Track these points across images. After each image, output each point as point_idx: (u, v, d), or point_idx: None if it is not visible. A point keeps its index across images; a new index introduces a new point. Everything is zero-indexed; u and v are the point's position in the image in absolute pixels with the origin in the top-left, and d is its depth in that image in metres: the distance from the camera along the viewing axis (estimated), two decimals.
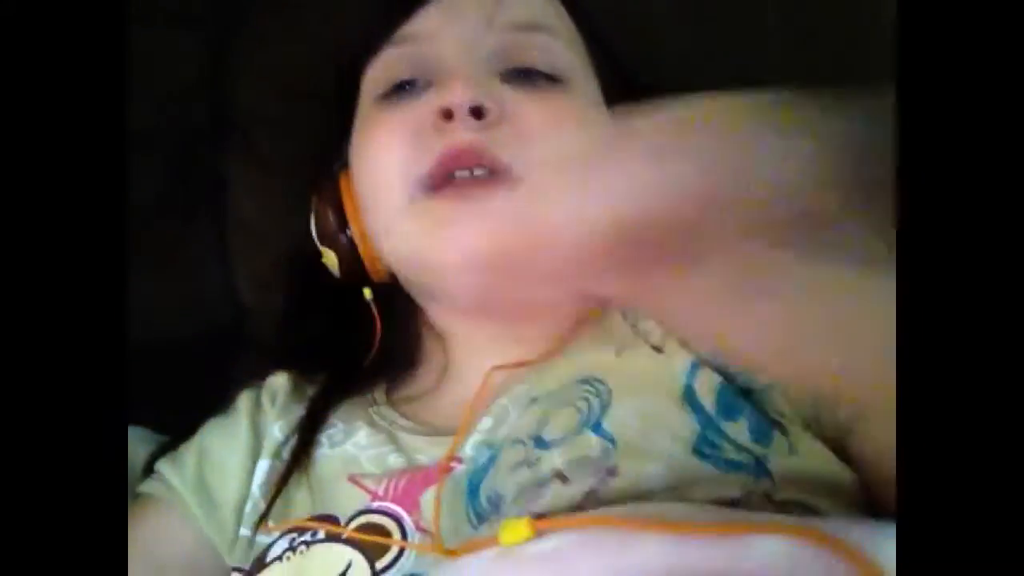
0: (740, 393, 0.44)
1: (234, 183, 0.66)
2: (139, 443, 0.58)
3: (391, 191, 0.48)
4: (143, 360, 0.64)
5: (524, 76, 0.49)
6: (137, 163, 0.63)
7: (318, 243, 0.55)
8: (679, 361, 0.45)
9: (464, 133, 0.45)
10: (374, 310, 0.54)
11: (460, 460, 0.45)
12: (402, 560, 0.42)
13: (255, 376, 0.56)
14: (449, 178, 0.46)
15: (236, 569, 0.46)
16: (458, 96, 0.45)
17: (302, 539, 0.44)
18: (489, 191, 0.45)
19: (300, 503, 0.47)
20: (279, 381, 0.54)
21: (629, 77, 0.56)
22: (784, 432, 0.42)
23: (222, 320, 0.66)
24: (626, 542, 0.32)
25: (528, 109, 0.47)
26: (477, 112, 0.46)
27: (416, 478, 0.45)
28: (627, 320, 0.49)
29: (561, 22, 0.52)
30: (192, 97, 0.67)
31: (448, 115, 0.46)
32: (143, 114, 0.64)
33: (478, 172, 0.46)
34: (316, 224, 0.55)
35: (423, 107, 0.47)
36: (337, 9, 0.65)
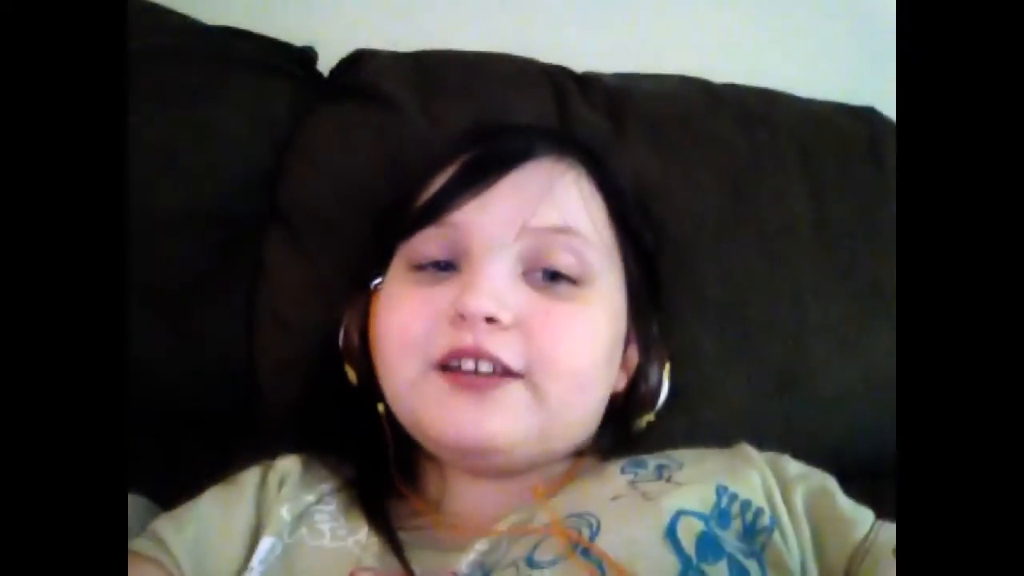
0: (746, 536, 0.47)
1: (272, 272, 0.70)
2: (139, 512, 0.59)
3: (405, 365, 0.52)
4: (153, 429, 0.66)
5: (548, 277, 0.53)
6: (187, 239, 0.68)
7: (342, 354, 0.59)
8: (665, 507, 0.48)
9: (475, 335, 0.50)
10: (386, 426, 0.56)
11: (455, 575, 0.47)
12: None
13: (264, 456, 0.57)
14: (457, 366, 0.50)
15: None
16: (474, 306, 0.50)
17: None
18: (493, 383, 0.50)
19: None
20: (289, 464, 0.56)
21: (658, 274, 0.62)
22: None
23: (235, 400, 0.68)
24: None
25: (541, 319, 0.51)
26: (491, 320, 0.50)
27: None
28: (624, 474, 0.52)
29: (593, 225, 0.56)
30: (251, 187, 0.71)
31: (464, 317, 0.50)
32: (201, 195, 0.69)
33: (483, 367, 0.50)
34: (343, 338, 0.59)
35: (446, 294, 0.52)
36: (396, 135, 0.69)
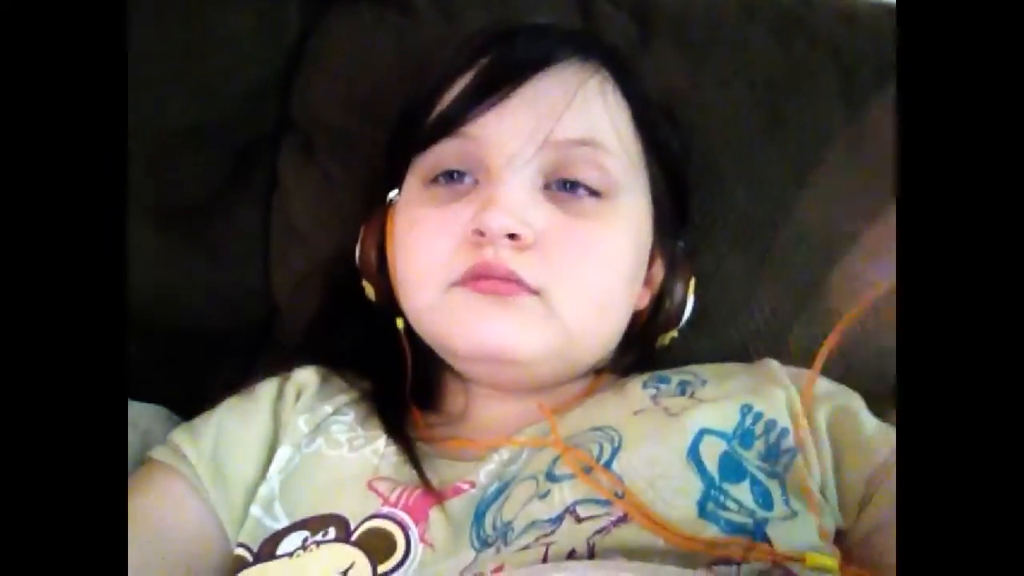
0: (769, 456, 0.47)
1: (287, 186, 0.68)
2: (159, 421, 0.59)
3: (426, 284, 0.51)
4: (170, 344, 0.66)
5: (568, 188, 0.51)
6: (199, 154, 0.66)
7: (360, 271, 0.58)
8: (688, 425, 0.47)
9: (496, 251, 0.48)
10: (404, 341, 0.55)
11: (473, 484, 0.48)
12: (405, 566, 0.44)
13: (281, 369, 0.57)
14: (479, 278, 0.49)
15: (241, 545, 0.48)
16: (496, 221, 0.48)
17: (314, 539, 0.46)
18: (514, 294, 0.48)
19: (312, 497, 0.49)
20: (307, 376, 0.56)
21: (685, 188, 0.59)
22: (786, 498, 0.45)
23: (254, 317, 0.68)
24: None
25: (561, 239, 0.50)
26: (511, 236, 0.48)
27: (428, 493, 0.47)
28: (646, 389, 0.52)
29: (618, 136, 0.53)
30: (262, 96, 0.69)
31: (484, 235, 0.48)
32: (211, 107, 0.67)
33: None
34: (360, 254, 0.57)
35: (464, 211, 0.50)
36: (412, 37, 0.66)
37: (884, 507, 0.45)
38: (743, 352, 0.62)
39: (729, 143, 0.65)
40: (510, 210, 0.48)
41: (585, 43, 0.56)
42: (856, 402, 0.51)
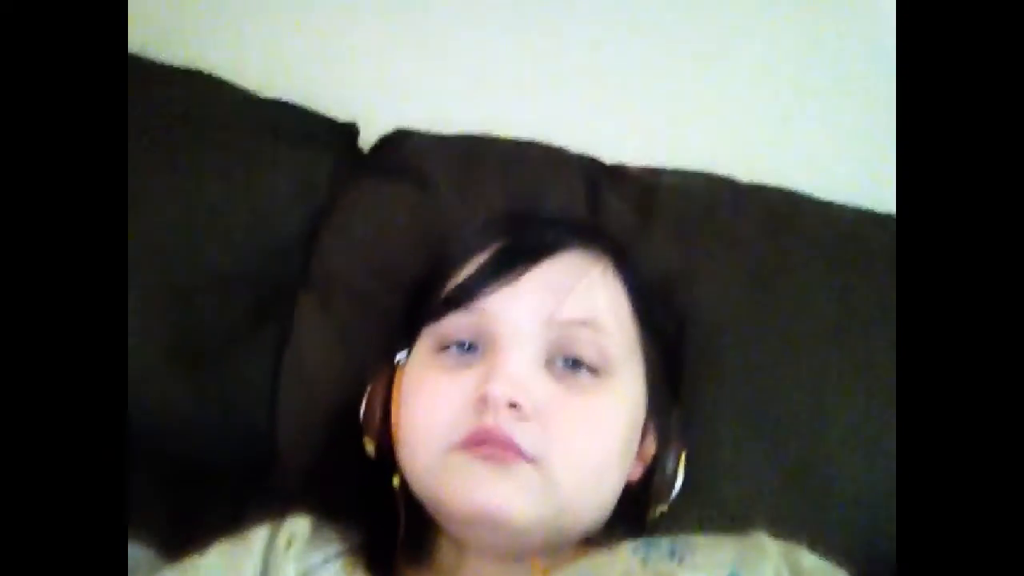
0: None
1: (300, 337, 0.71)
2: (144, 565, 0.59)
3: (427, 444, 0.53)
4: (166, 476, 0.67)
5: (569, 366, 0.55)
6: (220, 300, 0.70)
7: (363, 426, 0.60)
8: None
9: (497, 418, 0.51)
10: (400, 500, 0.57)
11: None
12: None
13: (275, 513, 0.58)
14: (479, 443, 0.51)
15: None
16: (499, 390, 0.51)
17: None
18: (512, 461, 0.51)
19: None
20: (299, 525, 0.56)
21: (679, 366, 0.63)
22: None
23: (253, 458, 0.69)
24: None
25: (559, 412, 0.53)
26: (513, 405, 0.51)
27: None
28: (635, 553, 0.52)
29: (616, 318, 0.58)
30: (286, 253, 0.74)
31: (487, 402, 0.51)
32: (238, 258, 0.72)
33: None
34: (364, 410, 0.60)
35: (470, 379, 0.53)
36: (430, 214, 0.72)
37: None
38: (733, 523, 0.62)
39: (722, 324, 0.69)
40: (513, 381, 0.52)
41: (591, 234, 0.62)
42: None
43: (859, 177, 0.79)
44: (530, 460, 0.51)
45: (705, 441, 0.65)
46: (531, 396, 0.52)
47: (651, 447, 0.59)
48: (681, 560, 0.51)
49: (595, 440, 0.53)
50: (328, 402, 0.67)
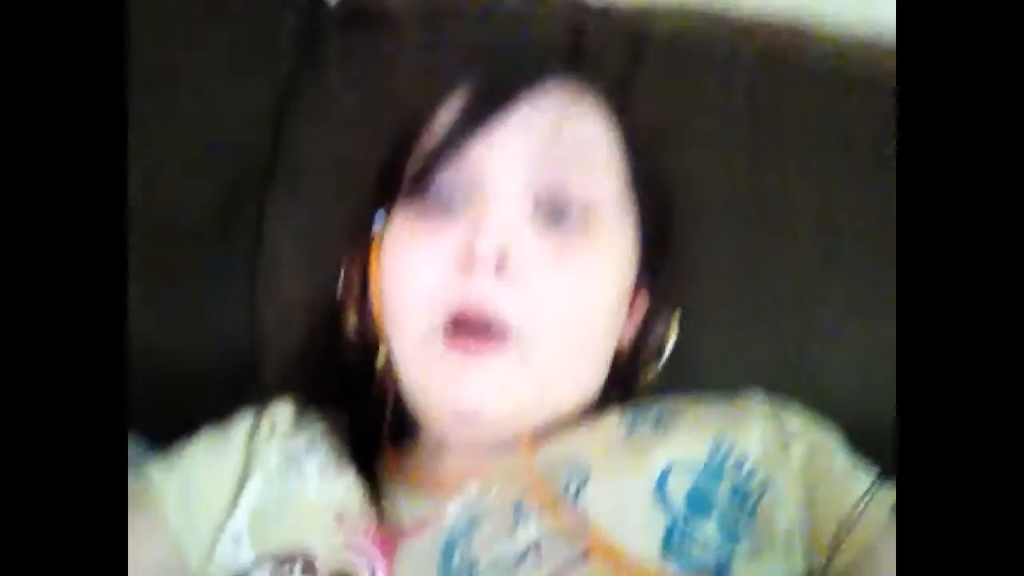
0: (738, 494, 0.46)
1: (274, 220, 0.68)
2: (135, 454, 0.59)
3: (411, 323, 0.50)
4: (155, 374, 0.66)
5: (559, 216, 0.50)
6: (191, 187, 0.66)
7: (341, 304, 0.57)
8: (657, 457, 0.47)
9: (481, 284, 0.48)
10: (386, 378, 0.55)
11: (440, 520, 0.47)
12: None
13: (261, 402, 0.57)
14: (460, 328, 0.48)
15: None
16: (487, 246, 0.47)
17: (280, 573, 0.46)
18: (495, 350, 0.48)
19: (280, 531, 0.49)
20: (282, 410, 0.56)
21: (671, 217, 0.59)
22: (754, 536, 0.45)
23: (240, 355, 0.68)
24: None
25: (546, 275, 0.49)
26: (499, 266, 0.48)
27: (396, 529, 0.47)
28: (621, 424, 0.51)
29: (606, 157, 0.53)
30: (255, 131, 0.70)
31: (473, 259, 0.48)
32: (205, 140, 0.68)
33: (485, 327, 0.48)
34: (342, 287, 0.57)
35: (454, 235, 0.49)
36: (409, 76, 0.67)
37: (858, 547, 0.45)
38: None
39: (715, 180, 0.64)
40: (501, 232, 0.48)
41: (575, 64, 0.56)
42: (832, 440, 0.50)
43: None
44: (510, 339, 0.48)
45: (699, 302, 0.62)
46: (518, 252, 0.48)
47: (643, 305, 0.57)
48: (666, 429, 0.50)
49: (582, 309, 0.50)
50: (307, 287, 0.65)
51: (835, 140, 0.65)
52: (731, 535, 0.44)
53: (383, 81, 0.68)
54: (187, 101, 0.67)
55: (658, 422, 0.50)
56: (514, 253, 0.48)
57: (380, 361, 0.55)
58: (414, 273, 0.50)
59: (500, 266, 0.48)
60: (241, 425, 0.54)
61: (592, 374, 0.54)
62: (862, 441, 0.51)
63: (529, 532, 0.44)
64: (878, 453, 0.49)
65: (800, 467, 0.48)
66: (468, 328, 0.48)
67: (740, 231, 0.64)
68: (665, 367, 0.58)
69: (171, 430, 0.56)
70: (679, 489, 0.45)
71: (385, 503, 0.49)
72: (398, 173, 0.54)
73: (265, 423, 0.54)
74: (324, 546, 0.46)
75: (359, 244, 0.56)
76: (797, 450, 0.49)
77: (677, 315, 0.58)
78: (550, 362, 0.49)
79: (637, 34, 0.69)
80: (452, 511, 0.47)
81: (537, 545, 0.43)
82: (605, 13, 0.71)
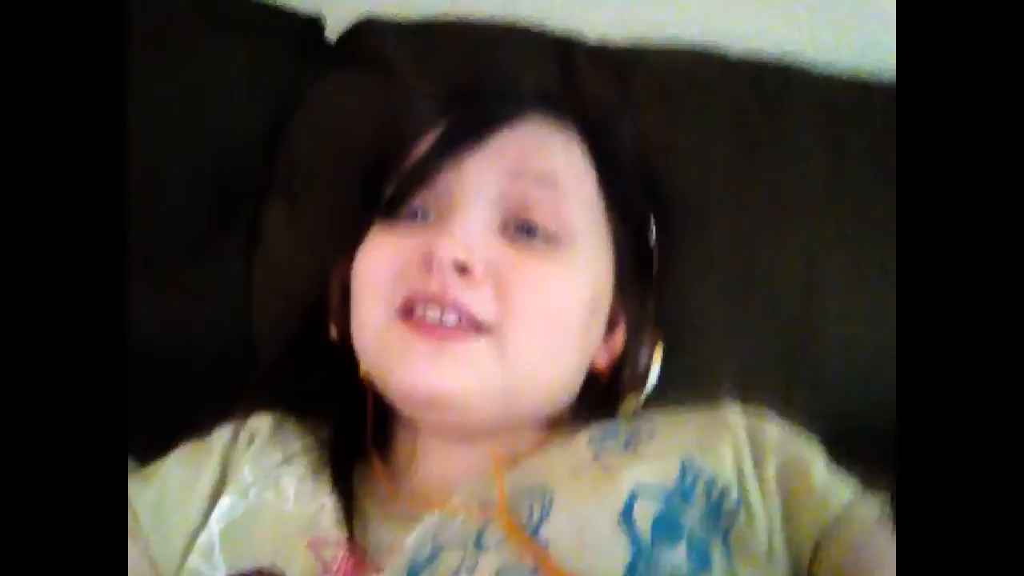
0: (711, 515, 0.45)
1: (270, 227, 0.70)
2: None
3: (372, 311, 0.51)
4: (150, 393, 0.67)
5: (525, 232, 0.51)
6: (185, 200, 0.68)
7: (326, 311, 0.58)
8: (623, 483, 0.46)
9: (443, 281, 0.48)
10: (367, 386, 0.55)
11: (407, 553, 0.46)
12: None
13: (241, 412, 0.57)
14: (419, 314, 0.49)
15: None
16: (444, 251, 0.48)
17: None
18: (457, 337, 0.48)
19: (252, 547, 0.49)
20: (261, 423, 0.56)
21: (652, 251, 0.60)
22: (728, 558, 0.43)
23: (234, 362, 0.69)
24: None
25: (514, 273, 0.50)
26: (461, 269, 0.48)
27: (365, 557, 0.47)
28: (591, 444, 0.50)
29: (579, 187, 0.54)
30: (248, 146, 0.72)
31: (432, 262, 0.48)
32: (200, 157, 0.70)
33: (448, 318, 0.48)
34: (329, 298, 0.58)
35: (420, 238, 0.50)
36: (397, 103, 0.68)
37: (838, 560, 0.44)
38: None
39: (709, 195, 0.66)
40: (462, 239, 0.49)
41: (555, 102, 0.58)
42: (809, 452, 0.49)
43: (855, 45, 0.73)
44: (481, 330, 0.48)
45: (695, 322, 0.63)
46: (481, 256, 0.49)
47: (621, 337, 0.57)
48: (635, 450, 0.49)
49: (552, 304, 0.50)
50: (301, 296, 0.65)
51: (829, 152, 0.67)
52: (702, 561, 0.43)
53: (373, 108, 0.70)
54: (190, 114, 0.70)
55: (627, 444, 0.49)
56: (476, 258, 0.48)
57: (363, 368, 0.55)
58: (375, 270, 0.52)
59: (464, 269, 0.48)
60: (220, 436, 0.55)
61: (563, 379, 0.53)
62: (862, 433, 0.51)
63: (490, 562, 0.43)
64: (879, 446, 0.48)
65: (776, 482, 0.47)
66: (431, 316, 0.48)
67: (736, 246, 0.65)
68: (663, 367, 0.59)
69: (163, 436, 0.56)
70: (646, 516, 0.44)
71: (358, 526, 0.48)
72: (377, 196, 0.56)
73: (243, 436, 0.54)
74: (294, 569, 0.46)
75: (345, 256, 0.57)
76: (772, 465, 0.47)
77: (660, 348, 0.58)
78: (524, 355, 0.49)
79: (628, 65, 0.71)
80: (416, 540, 0.47)
81: None
82: (596, 48, 0.73)
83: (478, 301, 0.48)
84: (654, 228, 0.61)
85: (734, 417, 0.51)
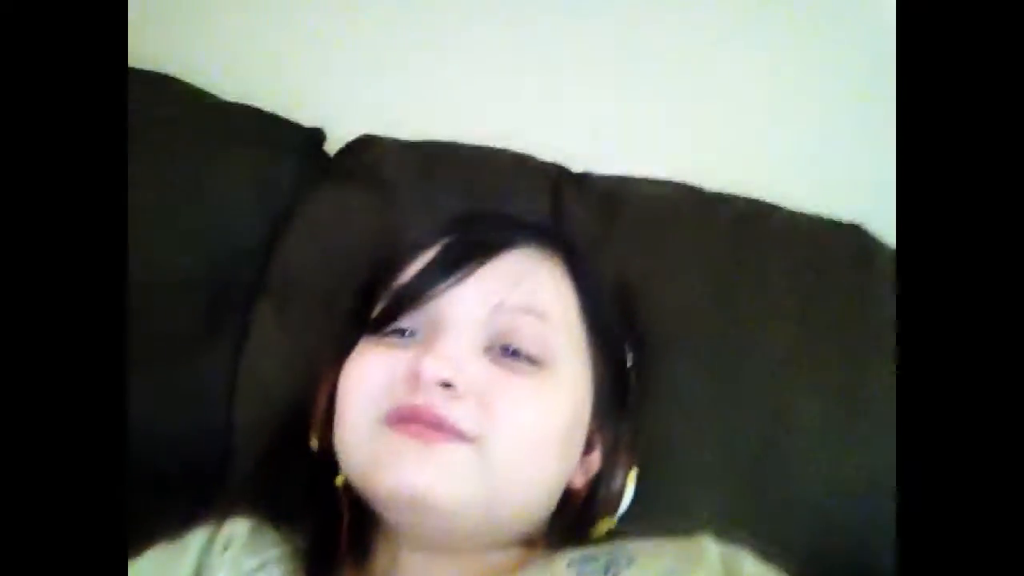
0: None
1: (257, 339, 0.71)
2: None
3: (358, 419, 0.53)
4: (129, 490, 0.66)
5: (509, 355, 0.54)
6: (177, 304, 0.69)
7: (309, 423, 0.59)
8: None
9: (428, 400, 0.50)
10: (343, 499, 0.56)
11: None
12: None
13: (218, 516, 0.57)
14: (405, 421, 0.50)
15: None
16: (431, 368, 0.50)
17: None
18: (442, 440, 0.49)
19: None
20: (238, 528, 0.56)
21: (628, 378, 0.62)
22: None
23: (210, 462, 0.69)
24: None
25: (499, 389, 0.52)
26: (446, 385, 0.51)
27: None
28: (569, 568, 0.51)
29: (563, 315, 0.57)
30: (244, 252, 0.74)
31: (419, 379, 0.50)
32: (193, 257, 0.71)
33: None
34: (313, 406, 0.59)
35: (407, 355, 0.52)
36: (393, 220, 0.72)
37: None
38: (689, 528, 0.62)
39: (681, 327, 0.68)
40: (447, 358, 0.51)
41: (542, 232, 0.61)
42: None
43: (825, 185, 0.79)
44: (466, 439, 0.50)
45: (664, 449, 0.64)
46: (466, 375, 0.51)
47: (597, 459, 0.58)
48: None
49: (533, 420, 0.52)
50: (283, 404, 0.66)
51: (800, 292, 0.70)
52: None
53: (368, 224, 0.73)
54: (192, 219, 0.72)
55: (607, 570, 0.50)
56: (460, 377, 0.51)
57: (340, 479, 0.56)
58: (361, 382, 0.53)
59: (447, 387, 0.50)
60: (195, 539, 0.54)
61: (542, 494, 0.54)
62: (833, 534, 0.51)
63: None
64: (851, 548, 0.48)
65: None
66: (418, 422, 0.49)
67: (708, 377, 0.67)
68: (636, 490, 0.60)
69: (136, 534, 0.53)
70: None
71: None
72: (367, 310, 0.58)
73: (219, 539, 0.54)
74: None
75: (331, 370, 0.59)
76: None
77: (634, 473, 0.60)
78: (506, 466, 0.50)
79: (612, 196, 0.75)
80: None
81: None
82: (583, 177, 0.77)
83: (462, 413, 0.50)
84: (630, 355, 0.63)
85: (711, 551, 0.51)
